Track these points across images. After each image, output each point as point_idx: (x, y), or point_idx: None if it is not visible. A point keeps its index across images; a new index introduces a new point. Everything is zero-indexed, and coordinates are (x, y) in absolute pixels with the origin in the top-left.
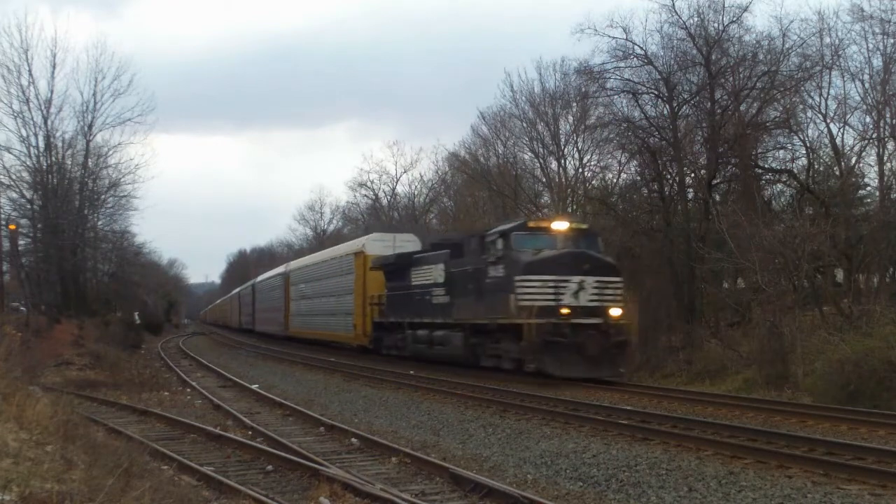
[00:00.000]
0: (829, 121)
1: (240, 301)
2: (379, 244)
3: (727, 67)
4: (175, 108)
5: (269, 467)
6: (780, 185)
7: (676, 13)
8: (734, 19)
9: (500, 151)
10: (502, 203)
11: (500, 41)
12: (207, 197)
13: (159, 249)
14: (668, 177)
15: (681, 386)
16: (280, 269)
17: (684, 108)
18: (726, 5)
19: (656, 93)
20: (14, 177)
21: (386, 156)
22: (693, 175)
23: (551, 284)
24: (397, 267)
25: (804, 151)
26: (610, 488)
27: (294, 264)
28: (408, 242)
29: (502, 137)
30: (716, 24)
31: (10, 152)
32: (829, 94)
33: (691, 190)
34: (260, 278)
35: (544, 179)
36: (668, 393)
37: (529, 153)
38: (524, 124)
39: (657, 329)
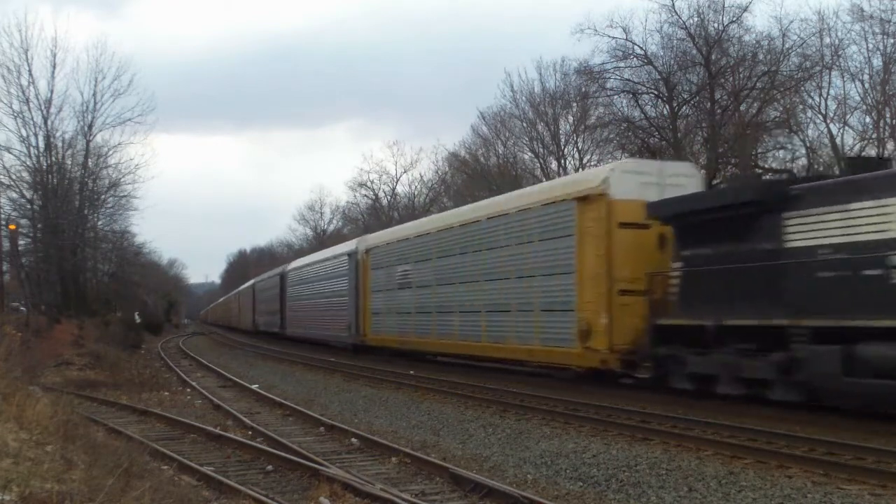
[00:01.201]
0: (829, 121)
1: (254, 297)
2: (634, 180)
3: (727, 67)
4: (175, 108)
5: (269, 467)
6: None
7: (676, 13)
8: (734, 19)
9: (500, 151)
10: None
11: (500, 41)
12: (207, 197)
13: (159, 249)
14: None
15: None
16: (342, 249)
17: (684, 108)
18: (726, 5)
19: (656, 93)
20: (14, 177)
21: (386, 156)
22: None
23: None
24: (738, 214)
25: (804, 151)
26: (610, 488)
27: (373, 239)
28: (686, 178)
29: (502, 137)
30: (716, 24)
31: (10, 152)
32: (829, 94)
33: None
34: (294, 265)
35: (544, 179)
36: None
37: (529, 153)
38: (524, 124)
39: None
